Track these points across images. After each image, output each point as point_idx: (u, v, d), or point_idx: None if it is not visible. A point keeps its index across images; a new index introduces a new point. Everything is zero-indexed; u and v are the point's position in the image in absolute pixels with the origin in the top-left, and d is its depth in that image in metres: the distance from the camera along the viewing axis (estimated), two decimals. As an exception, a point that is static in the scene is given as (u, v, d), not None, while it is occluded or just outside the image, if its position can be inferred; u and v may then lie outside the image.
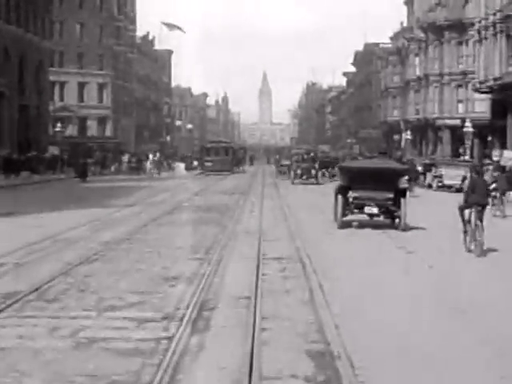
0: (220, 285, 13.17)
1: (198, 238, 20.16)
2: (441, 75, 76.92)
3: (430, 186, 45.92)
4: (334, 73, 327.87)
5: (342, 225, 22.48)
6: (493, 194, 25.66)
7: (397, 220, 22.47)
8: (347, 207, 22.67)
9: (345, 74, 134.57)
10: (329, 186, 38.26)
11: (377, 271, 15.03)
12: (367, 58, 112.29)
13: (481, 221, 17.41)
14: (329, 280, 13.58)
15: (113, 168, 62.57)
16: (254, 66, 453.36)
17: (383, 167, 24.26)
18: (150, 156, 50.10)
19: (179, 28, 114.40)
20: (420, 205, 30.60)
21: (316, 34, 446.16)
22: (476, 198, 17.54)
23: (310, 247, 18.14)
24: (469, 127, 57.29)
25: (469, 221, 17.59)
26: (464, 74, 74.31)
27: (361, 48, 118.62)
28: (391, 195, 22.24)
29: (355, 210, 22.81)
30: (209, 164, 63.15)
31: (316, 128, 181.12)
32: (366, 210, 22.54)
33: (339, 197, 22.71)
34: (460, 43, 75.18)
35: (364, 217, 23.10)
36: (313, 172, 47.97)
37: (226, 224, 23.74)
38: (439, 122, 76.82)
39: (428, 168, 47.66)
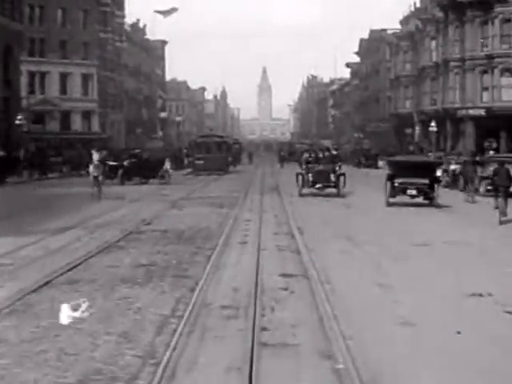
0: None
1: (123, 329, 9.04)
2: (462, 60, 65.51)
3: (475, 191, 34.66)
4: (336, 65, 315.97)
5: (389, 204, 27.07)
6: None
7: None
8: (393, 190, 27.40)
9: (348, 64, 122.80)
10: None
11: None
12: (374, 45, 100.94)
13: (505, 198, 22.54)
14: None
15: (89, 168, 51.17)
16: (253, 60, 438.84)
17: (421, 160, 31.60)
18: (95, 156, 34.76)
19: (173, 9, 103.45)
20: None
21: (317, 29, 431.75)
22: (499, 181, 23.21)
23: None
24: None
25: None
26: (489, 57, 63.04)
27: (366, 36, 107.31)
28: (427, 181, 27.35)
29: (402, 193, 27.50)
30: (199, 162, 51.76)
31: (317, 123, 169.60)
32: (408, 192, 27.40)
33: (388, 183, 27.55)
34: (484, 22, 63.70)
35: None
36: (332, 178, 31.31)
37: (196, 277, 12.66)
38: (461, 113, 65.42)
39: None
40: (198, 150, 52.86)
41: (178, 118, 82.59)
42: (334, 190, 31.53)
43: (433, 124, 53.66)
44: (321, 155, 33.25)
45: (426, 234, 19.44)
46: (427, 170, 28.33)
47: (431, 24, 71.42)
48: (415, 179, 27.47)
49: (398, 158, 33.97)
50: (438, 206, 26.88)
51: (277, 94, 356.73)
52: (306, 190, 31.36)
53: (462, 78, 65.91)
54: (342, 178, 31.58)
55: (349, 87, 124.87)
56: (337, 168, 31.80)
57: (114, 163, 41.09)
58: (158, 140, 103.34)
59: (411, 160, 31.74)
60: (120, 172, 39.84)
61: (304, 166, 32.62)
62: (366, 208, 27.05)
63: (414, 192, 27.56)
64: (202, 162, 51.00)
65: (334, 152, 35.73)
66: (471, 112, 64.69)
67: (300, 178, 31.75)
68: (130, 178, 40.45)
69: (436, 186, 27.85)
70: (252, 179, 45.96)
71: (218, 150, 52.49)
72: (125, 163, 40.75)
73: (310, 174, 31.37)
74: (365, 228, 20.70)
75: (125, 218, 23.16)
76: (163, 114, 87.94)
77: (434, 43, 72.05)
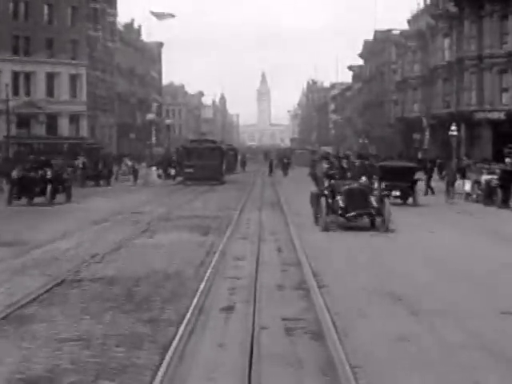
0: None
1: None
2: (479, 58, 58.56)
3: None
4: (337, 69, 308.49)
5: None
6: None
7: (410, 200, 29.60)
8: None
9: (350, 67, 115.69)
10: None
11: None
12: (378, 47, 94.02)
13: None
14: None
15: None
16: (252, 66, 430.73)
17: (403, 165, 32.77)
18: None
19: (170, 15, 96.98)
20: None
21: (317, 34, 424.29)
22: None
23: None
24: None
25: None
26: (510, 55, 56.23)
27: (370, 37, 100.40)
28: (409, 184, 29.75)
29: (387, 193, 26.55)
30: (190, 170, 44.36)
31: (317, 128, 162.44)
32: (393, 193, 28.96)
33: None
34: (504, 17, 56.82)
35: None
36: (373, 201, 20.33)
37: None
38: (478, 116, 58.43)
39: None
40: (187, 157, 45.31)
41: (168, 121, 74.97)
42: (377, 223, 20.49)
43: (453, 128, 46.61)
44: (345, 165, 22.94)
45: (503, 286, 12.47)
46: (408, 173, 30.50)
47: (444, 20, 64.34)
48: (399, 182, 29.59)
49: (384, 163, 34.78)
50: (417, 205, 27.77)
51: (276, 99, 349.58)
52: (329, 219, 20.56)
53: (479, 78, 58.94)
54: (387, 202, 20.49)
55: (351, 91, 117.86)
56: (376, 185, 22.34)
57: (30, 174, 29.80)
58: (154, 146, 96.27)
59: (395, 165, 32.90)
60: (49, 188, 29.24)
61: (326, 183, 21.40)
62: (394, 234, 20.04)
63: (397, 193, 29.60)
64: (192, 170, 43.62)
65: (365, 161, 25.30)
66: (489, 115, 57.76)
67: (323, 201, 20.20)
68: (54, 196, 29.93)
69: (416, 187, 30.21)
70: (249, 191, 38.53)
71: (210, 157, 44.82)
72: (48, 175, 29.87)
73: (339, 197, 20.41)
74: (411, 272, 13.65)
75: (68, 253, 16.14)
76: (150, 116, 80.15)
77: (446, 41, 64.99)
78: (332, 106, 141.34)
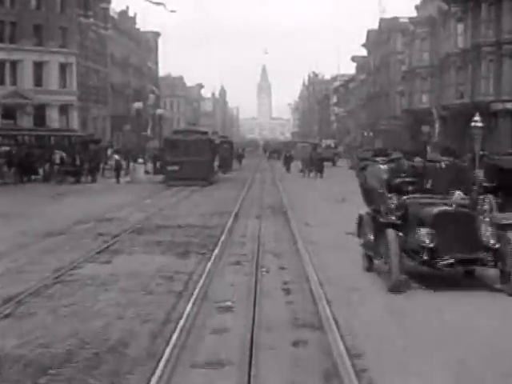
0: None
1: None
2: (498, 44, 52.87)
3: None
4: (339, 62, 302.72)
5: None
6: None
7: None
8: None
9: (354, 58, 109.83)
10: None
11: None
12: (383, 36, 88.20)
13: None
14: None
15: (42, 172, 38.65)
16: (252, 59, 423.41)
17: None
18: None
19: (171, 10, 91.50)
20: None
21: (318, 27, 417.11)
22: None
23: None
24: None
25: None
26: (531, 41, 50.63)
27: (374, 27, 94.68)
28: None
29: None
30: (173, 168, 35.61)
31: (319, 121, 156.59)
32: None
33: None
34: (526, -1, 51.27)
35: None
36: (489, 239, 10.50)
37: None
38: (496, 107, 52.81)
39: None
40: (171, 152, 36.64)
41: (160, 111, 69.19)
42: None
43: (476, 118, 40.96)
44: (421, 169, 12.02)
45: None
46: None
47: (457, 3, 58.47)
48: None
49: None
50: None
51: (277, 93, 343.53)
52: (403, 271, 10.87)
53: (498, 66, 53.25)
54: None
55: (354, 83, 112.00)
56: (486, 206, 12.78)
57: None
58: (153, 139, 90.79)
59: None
60: None
61: (393, 201, 11.38)
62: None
63: None
64: (176, 167, 35.32)
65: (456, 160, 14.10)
66: (508, 106, 52.21)
67: (392, 236, 10.61)
68: None
69: None
70: (246, 191, 32.28)
71: (198, 152, 36.07)
72: None
73: (422, 229, 10.64)
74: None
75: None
76: (137, 104, 74.07)
77: (460, 26, 59.16)
78: (334, 99, 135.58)
